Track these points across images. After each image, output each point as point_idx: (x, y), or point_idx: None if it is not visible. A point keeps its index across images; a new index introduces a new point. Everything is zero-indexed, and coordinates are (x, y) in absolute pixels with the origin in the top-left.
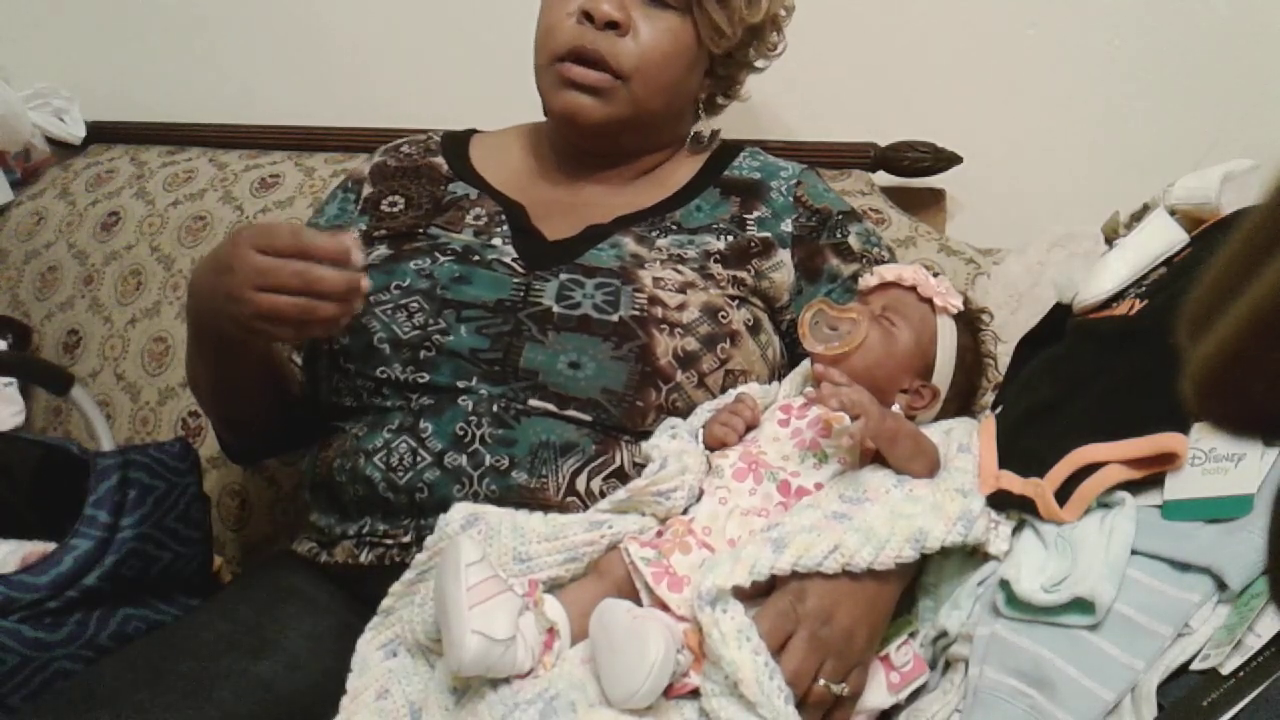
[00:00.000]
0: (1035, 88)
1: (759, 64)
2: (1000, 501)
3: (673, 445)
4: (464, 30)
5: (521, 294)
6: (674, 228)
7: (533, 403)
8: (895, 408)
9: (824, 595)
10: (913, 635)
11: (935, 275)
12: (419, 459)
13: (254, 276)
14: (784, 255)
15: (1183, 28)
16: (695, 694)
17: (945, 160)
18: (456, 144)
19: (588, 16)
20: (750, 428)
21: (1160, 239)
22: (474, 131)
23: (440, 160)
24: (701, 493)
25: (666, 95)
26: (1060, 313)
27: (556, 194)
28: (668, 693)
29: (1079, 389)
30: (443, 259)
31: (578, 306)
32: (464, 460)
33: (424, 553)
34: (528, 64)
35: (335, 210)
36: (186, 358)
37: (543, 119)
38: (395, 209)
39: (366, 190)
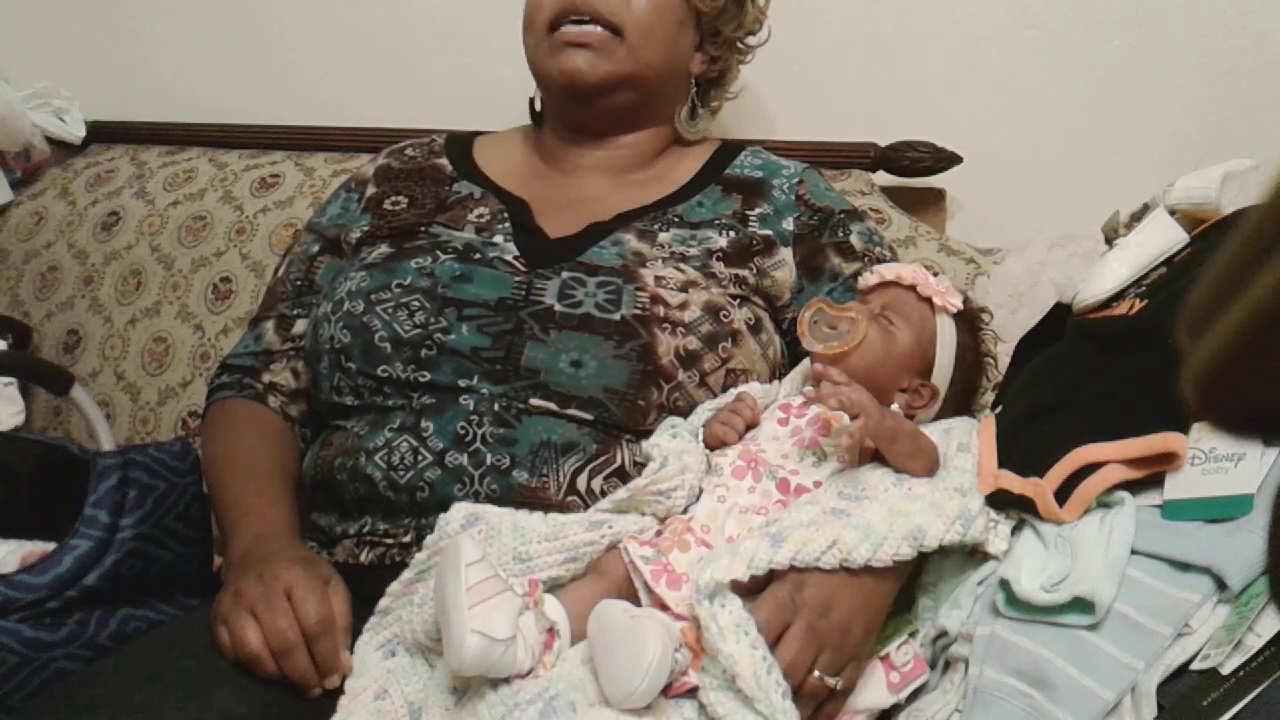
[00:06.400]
0: (1035, 88)
1: (744, 44)
2: (999, 501)
3: (673, 444)
4: (463, 31)
5: (523, 292)
6: (676, 221)
7: (534, 402)
8: (894, 407)
9: (822, 587)
10: (913, 635)
11: (935, 275)
12: (420, 458)
13: (260, 611)
14: (785, 254)
15: (1183, 28)
16: (694, 693)
17: (945, 160)
18: (460, 145)
19: None
20: (750, 426)
21: (1160, 239)
22: (477, 134)
23: (444, 161)
24: (701, 491)
25: (661, 49)
26: (1060, 313)
27: (558, 190)
28: (667, 691)
29: (1079, 389)
30: (444, 257)
31: (579, 305)
32: (465, 459)
33: (423, 552)
34: (524, 63)
35: (337, 210)
36: (207, 479)
37: None
38: (398, 208)
39: (370, 190)
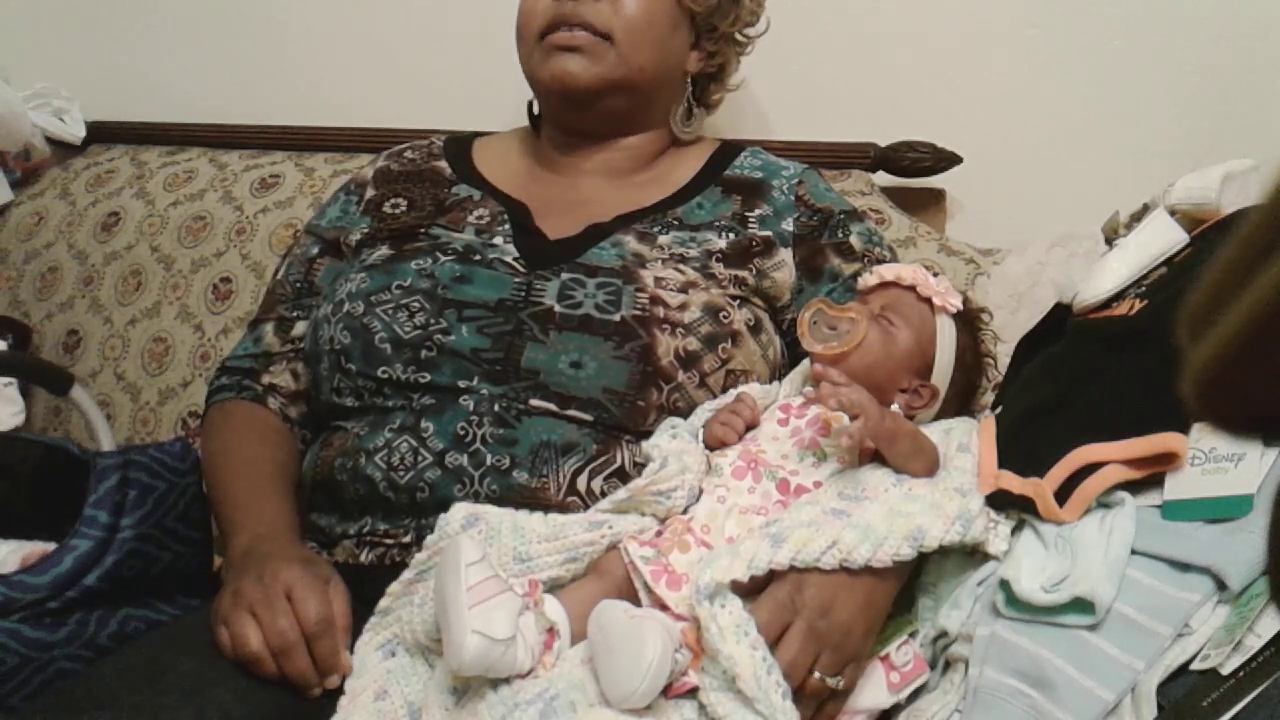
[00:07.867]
0: (1035, 88)
1: (743, 35)
2: (1000, 501)
3: (673, 445)
4: (463, 31)
5: (523, 293)
6: (675, 224)
7: (534, 402)
8: (894, 407)
9: (823, 587)
10: (913, 635)
11: (935, 275)
12: (420, 458)
13: (260, 611)
14: (785, 254)
15: (1183, 28)
16: (694, 693)
17: (945, 160)
18: (459, 148)
19: None
20: (750, 427)
21: (1160, 239)
22: (476, 135)
23: (443, 164)
24: (701, 492)
25: (653, 51)
26: (1060, 313)
27: (558, 192)
28: (667, 692)
29: (1079, 389)
30: (444, 258)
31: (579, 306)
32: (465, 460)
33: (423, 552)
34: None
35: (337, 212)
36: (207, 481)
37: None
38: (398, 210)
39: (369, 193)
